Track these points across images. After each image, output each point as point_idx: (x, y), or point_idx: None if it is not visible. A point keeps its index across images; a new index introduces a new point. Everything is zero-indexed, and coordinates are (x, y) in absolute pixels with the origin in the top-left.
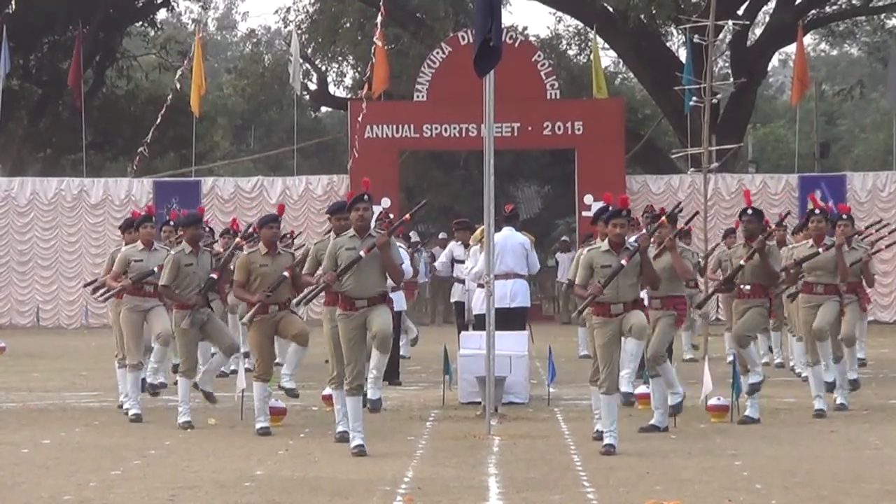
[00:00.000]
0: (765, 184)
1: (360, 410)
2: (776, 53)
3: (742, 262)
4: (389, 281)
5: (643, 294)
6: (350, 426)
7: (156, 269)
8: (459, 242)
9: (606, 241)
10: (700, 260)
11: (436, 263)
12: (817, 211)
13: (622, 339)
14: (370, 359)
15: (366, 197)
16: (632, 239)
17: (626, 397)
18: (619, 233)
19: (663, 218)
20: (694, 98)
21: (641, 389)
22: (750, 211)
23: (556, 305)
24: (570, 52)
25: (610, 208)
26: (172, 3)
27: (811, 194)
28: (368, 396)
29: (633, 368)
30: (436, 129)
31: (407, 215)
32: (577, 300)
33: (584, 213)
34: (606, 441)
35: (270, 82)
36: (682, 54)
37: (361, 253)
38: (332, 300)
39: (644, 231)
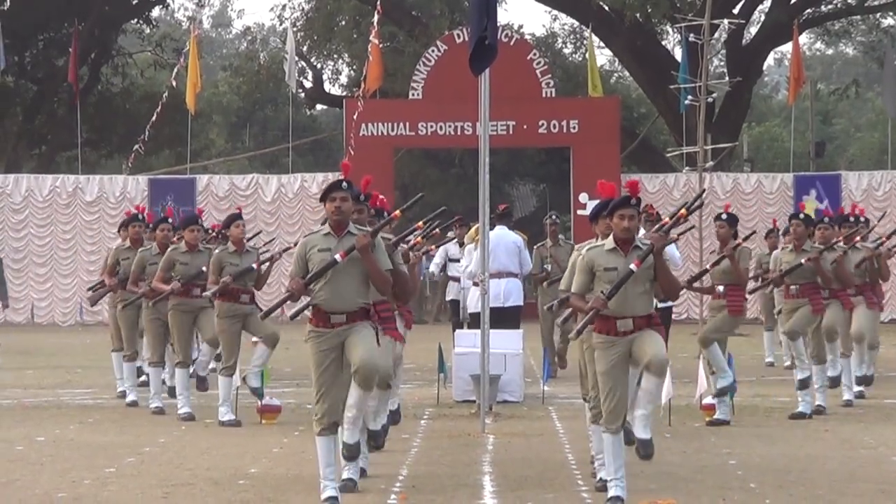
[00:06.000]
0: (760, 183)
1: (331, 454)
2: (772, 52)
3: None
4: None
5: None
6: (321, 472)
7: (204, 268)
8: (455, 241)
9: (611, 237)
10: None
11: (430, 266)
12: (801, 215)
13: (640, 371)
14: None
15: (344, 185)
16: (640, 234)
17: (644, 446)
18: (626, 226)
19: (682, 210)
20: (689, 97)
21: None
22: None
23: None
24: (566, 51)
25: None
26: (167, 1)
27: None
28: (344, 440)
29: (651, 410)
30: (431, 127)
31: (397, 211)
32: (576, 316)
33: (580, 212)
34: (612, 493)
35: (266, 80)
36: (678, 53)
37: (337, 257)
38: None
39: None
